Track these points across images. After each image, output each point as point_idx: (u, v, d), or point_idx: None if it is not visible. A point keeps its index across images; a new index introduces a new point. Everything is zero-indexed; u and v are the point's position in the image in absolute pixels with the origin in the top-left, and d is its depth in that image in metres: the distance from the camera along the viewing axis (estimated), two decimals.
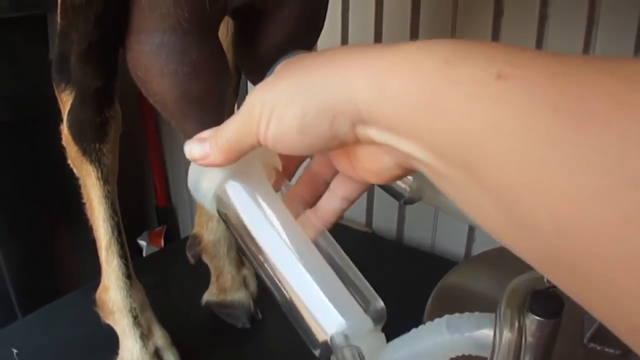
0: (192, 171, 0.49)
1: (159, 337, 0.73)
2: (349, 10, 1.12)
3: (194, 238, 0.85)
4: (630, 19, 0.85)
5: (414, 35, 1.06)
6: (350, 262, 0.45)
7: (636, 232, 0.23)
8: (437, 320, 0.41)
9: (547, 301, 0.38)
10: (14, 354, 0.81)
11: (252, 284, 0.87)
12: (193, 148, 0.45)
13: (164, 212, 1.68)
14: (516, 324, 0.37)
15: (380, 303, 0.43)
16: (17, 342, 0.82)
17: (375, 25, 1.10)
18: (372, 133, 0.35)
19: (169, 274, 0.97)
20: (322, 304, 0.43)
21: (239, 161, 0.44)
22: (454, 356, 0.41)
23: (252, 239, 0.46)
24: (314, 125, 0.36)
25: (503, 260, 0.65)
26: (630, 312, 0.25)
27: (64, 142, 0.67)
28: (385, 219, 1.21)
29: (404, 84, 0.32)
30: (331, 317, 0.42)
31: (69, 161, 0.68)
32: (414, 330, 0.42)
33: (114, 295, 0.71)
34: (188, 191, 0.50)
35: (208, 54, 0.54)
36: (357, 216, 1.24)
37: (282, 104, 0.37)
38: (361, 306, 0.43)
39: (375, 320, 0.43)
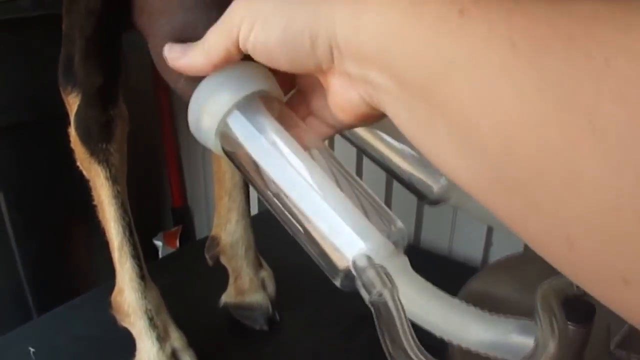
0: (192, 110, 0.47)
1: (176, 339, 0.73)
2: None
3: (212, 239, 0.85)
4: None
5: None
6: (366, 186, 0.44)
7: (581, 153, 0.26)
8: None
9: (579, 307, 0.37)
10: (31, 352, 0.81)
11: (271, 286, 0.87)
12: (173, 47, 0.45)
13: (180, 213, 1.68)
14: (556, 331, 0.36)
15: (400, 224, 0.42)
16: (34, 341, 0.82)
17: None
18: (346, 64, 0.37)
19: (186, 276, 0.97)
20: (341, 229, 0.41)
21: (239, 95, 0.44)
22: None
23: (261, 173, 0.45)
24: (296, 38, 0.37)
25: (524, 267, 0.65)
26: (567, 223, 0.28)
27: (72, 145, 0.67)
28: (403, 222, 1.19)
29: (376, 16, 0.34)
30: (351, 241, 0.41)
31: (78, 163, 0.68)
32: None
33: (129, 297, 0.71)
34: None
35: None
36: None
37: (268, 11, 0.39)
38: (381, 228, 0.42)
39: (397, 242, 0.41)
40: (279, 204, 0.44)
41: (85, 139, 0.65)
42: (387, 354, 0.36)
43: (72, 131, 0.66)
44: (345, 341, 0.84)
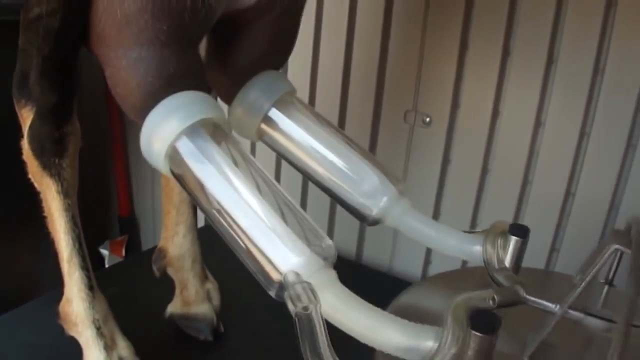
0: (144, 135, 0.52)
1: (123, 348, 0.74)
2: (321, 32, 1.15)
3: (159, 251, 0.86)
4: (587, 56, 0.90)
5: (383, 62, 1.10)
6: (300, 209, 0.49)
7: None
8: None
9: (487, 318, 0.41)
10: None
11: (216, 298, 0.89)
12: None
13: (126, 223, 1.69)
14: (461, 338, 0.41)
15: (329, 241, 0.47)
16: None
17: (345, 50, 1.13)
18: None
19: (133, 285, 0.98)
20: (275, 246, 0.46)
21: (186, 122, 0.49)
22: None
23: (205, 192, 0.50)
24: None
25: (456, 282, 0.69)
26: None
27: (24, 157, 0.68)
28: (345, 241, 1.24)
29: None
30: (285, 257, 0.46)
31: (30, 175, 0.69)
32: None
33: (77, 307, 0.71)
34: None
35: (186, 68, 0.54)
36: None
37: None
38: (313, 244, 0.47)
39: (326, 257, 0.47)
40: (222, 221, 0.49)
41: (38, 154, 0.66)
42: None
43: (25, 145, 0.67)
44: (288, 352, 0.86)
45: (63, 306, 0.73)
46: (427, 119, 1.07)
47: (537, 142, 1.00)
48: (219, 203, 0.49)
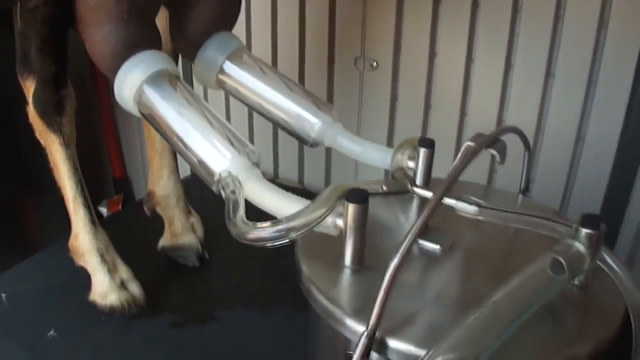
0: (117, 85, 0.68)
1: (123, 272, 0.87)
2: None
3: (148, 194, 0.99)
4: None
5: (332, 15, 1.22)
6: (231, 126, 0.66)
7: None
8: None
9: (359, 194, 0.55)
10: (3, 297, 0.92)
11: (199, 230, 1.01)
12: None
13: (121, 183, 1.81)
14: (328, 205, 0.56)
15: (252, 148, 0.63)
16: (5, 288, 0.93)
17: (299, 9, 1.25)
18: None
19: (129, 228, 1.09)
20: (214, 154, 0.63)
21: (145, 73, 0.65)
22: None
23: (167, 125, 0.66)
24: None
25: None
26: None
27: (30, 120, 0.82)
28: (314, 177, 1.38)
29: None
30: (220, 161, 0.62)
31: (37, 134, 0.82)
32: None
33: (83, 240, 0.84)
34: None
35: (145, 36, 0.69)
36: (290, 175, 1.41)
37: None
38: (240, 150, 0.63)
39: (251, 159, 0.63)
40: (180, 145, 0.65)
41: (42, 114, 0.80)
42: (229, 228, 0.58)
43: (31, 109, 0.80)
44: (262, 271, 0.99)
45: (72, 242, 0.86)
46: (374, 64, 1.20)
47: (469, 77, 1.12)
48: (176, 131, 0.65)
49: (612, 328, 0.54)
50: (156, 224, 1.01)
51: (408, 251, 0.47)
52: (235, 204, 0.58)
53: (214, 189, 0.63)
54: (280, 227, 0.55)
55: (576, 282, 0.57)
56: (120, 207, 1.74)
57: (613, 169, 1.04)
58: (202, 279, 0.98)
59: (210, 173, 0.63)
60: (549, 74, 1.05)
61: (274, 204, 0.59)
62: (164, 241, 1.01)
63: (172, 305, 0.91)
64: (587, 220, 0.51)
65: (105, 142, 1.78)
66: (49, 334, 0.84)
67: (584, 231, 0.51)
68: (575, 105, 1.05)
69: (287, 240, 0.55)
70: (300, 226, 0.55)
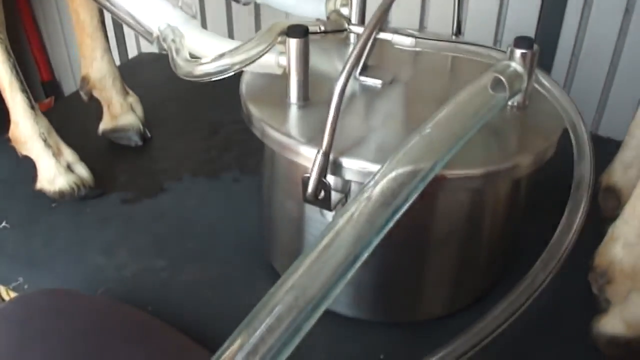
0: None
1: (68, 155, 0.87)
2: None
3: (83, 79, 0.97)
4: None
5: None
6: None
7: None
8: None
9: (299, 29, 0.57)
10: None
11: (138, 109, 1.01)
12: None
13: (50, 86, 1.78)
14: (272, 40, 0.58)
15: (187, 0, 0.64)
16: None
17: None
18: None
19: (66, 121, 1.05)
20: (154, 11, 0.63)
21: None
22: None
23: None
24: None
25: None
26: None
27: None
28: (244, 36, 1.36)
29: None
30: (158, 16, 0.63)
31: None
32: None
33: (24, 127, 0.83)
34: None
35: None
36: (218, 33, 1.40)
37: None
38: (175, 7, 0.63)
39: (187, 13, 0.64)
40: (115, 10, 0.65)
41: None
42: (175, 70, 0.59)
43: None
44: (205, 142, 1.01)
45: (13, 131, 0.85)
46: None
47: None
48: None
49: (550, 141, 0.58)
50: (93, 115, 1.01)
51: (351, 72, 0.49)
52: (178, 49, 0.59)
53: (155, 46, 0.63)
54: (224, 61, 0.56)
55: (515, 104, 0.60)
56: None
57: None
58: (147, 156, 0.99)
59: (149, 31, 0.63)
60: None
61: (219, 51, 0.60)
62: (104, 125, 1.00)
63: (120, 185, 0.92)
64: (521, 41, 0.53)
65: (29, 46, 1.73)
66: (0, 226, 0.84)
67: (519, 52, 0.53)
68: None
69: (232, 73, 0.57)
70: (244, 60, 0.56)
